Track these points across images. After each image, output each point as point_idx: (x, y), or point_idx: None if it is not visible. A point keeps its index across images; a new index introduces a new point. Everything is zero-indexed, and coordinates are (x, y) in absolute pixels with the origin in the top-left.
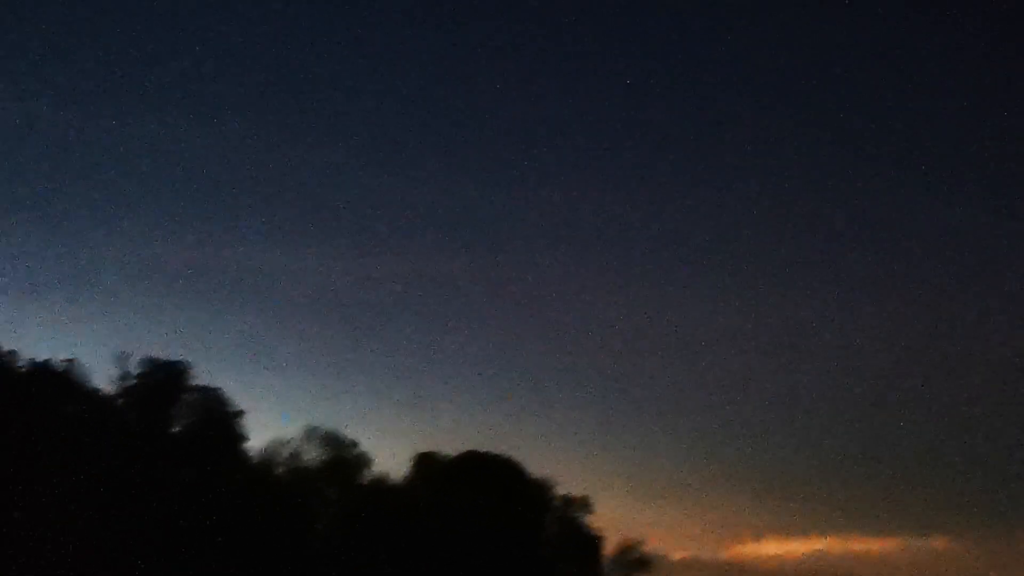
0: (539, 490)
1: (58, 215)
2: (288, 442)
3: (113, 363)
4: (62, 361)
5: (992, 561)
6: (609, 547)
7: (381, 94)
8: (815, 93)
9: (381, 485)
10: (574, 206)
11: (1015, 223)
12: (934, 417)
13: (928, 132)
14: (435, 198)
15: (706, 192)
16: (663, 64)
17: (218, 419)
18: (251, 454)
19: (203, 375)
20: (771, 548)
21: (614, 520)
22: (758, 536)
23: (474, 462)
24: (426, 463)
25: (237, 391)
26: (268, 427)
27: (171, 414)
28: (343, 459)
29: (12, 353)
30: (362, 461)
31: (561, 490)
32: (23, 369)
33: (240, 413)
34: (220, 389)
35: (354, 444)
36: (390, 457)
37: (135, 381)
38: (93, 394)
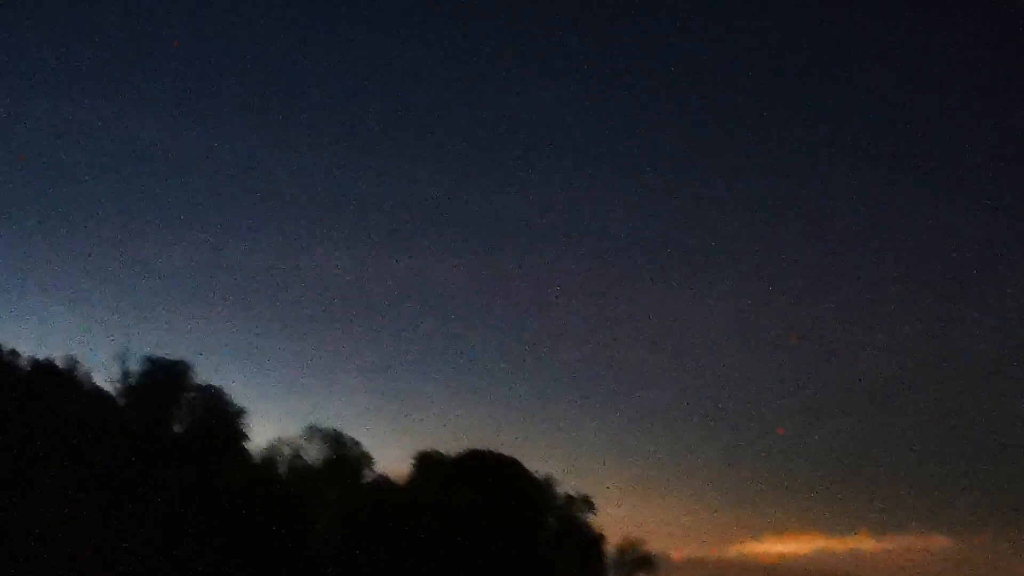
0: (541, 489)
1: (59, 213)
2: (289, 441)
3: (114, 362)
4: (63, 360)
5: (995, 562)
6: (611, 546)
7: (384, 93)
8: (815, 93)
9: (383, 484)
10: (575, 205)
11: (1015, 223)
12: (935, 416)
13: (927, 132)
14: (436, 198)
15: (705, 192)
16: (664, 64)
17: (219, 418)
18: (252, 453)
19: (204, 374)
20: (772, 547)
21: (616, 519)
22: (759, 535)
23: (476, 461)
24: (428, 462)
25: (238, 390)
26: (269, 426)
27: (172, 413)
28: (344, 458)
29: (13, 352)
30: (363, 460)
31: (563, 489)
32: (25, 368)
33: (241, 412)
34: (221, 388)
35: (356, 443)
36: (391, 456)
37: (136, 380)
38: (94, 393)
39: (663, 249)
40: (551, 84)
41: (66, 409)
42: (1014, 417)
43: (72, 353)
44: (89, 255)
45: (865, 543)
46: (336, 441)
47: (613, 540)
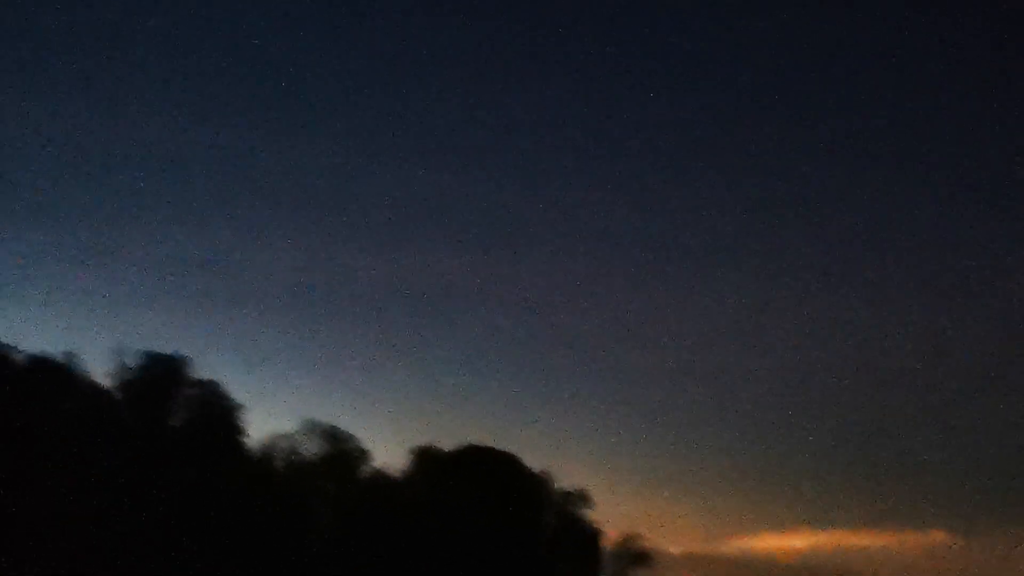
0: (538, 485)
1: (55, 208)
2: (287, 436)
3: (111, 357)
4: (61, 354)
5: (991, 556)
6: (608, 541)
7: (381, 89)
8: (815, 93)
9: (380, 479)
10: (570, 202)
11: (1016, 223)
12: (932, 411)
13: (927, 132)
14: (433, 194)
15: (704, 191)
16: (664, 64)
17: (217, 413)
18: (250, 448)
19: (202, 369)
20: (769, 542)
21: (613, 514)
22: (756, 531)
23: (473, 457)
24: (425, 457)
25: (236, 385)
26: (266, 421)
27: (170, 408)
28: (342, 453)
29: (10, 347)
30: (361, 455)
31: (560, 484)
32: (22, 362)
33: (239, 407)
34: (219, 383)
35: (352, 438)
36: (389, 451)
37: (134, 375)
38: (92, 388)
39: (661, 245)
40: (551, 84)
41: (63, 404)
42: (1013, 411)
43: (69, 348)
44: (87, 249)
45: (861, 538)
46: (333, 436)
47: (611, 535)
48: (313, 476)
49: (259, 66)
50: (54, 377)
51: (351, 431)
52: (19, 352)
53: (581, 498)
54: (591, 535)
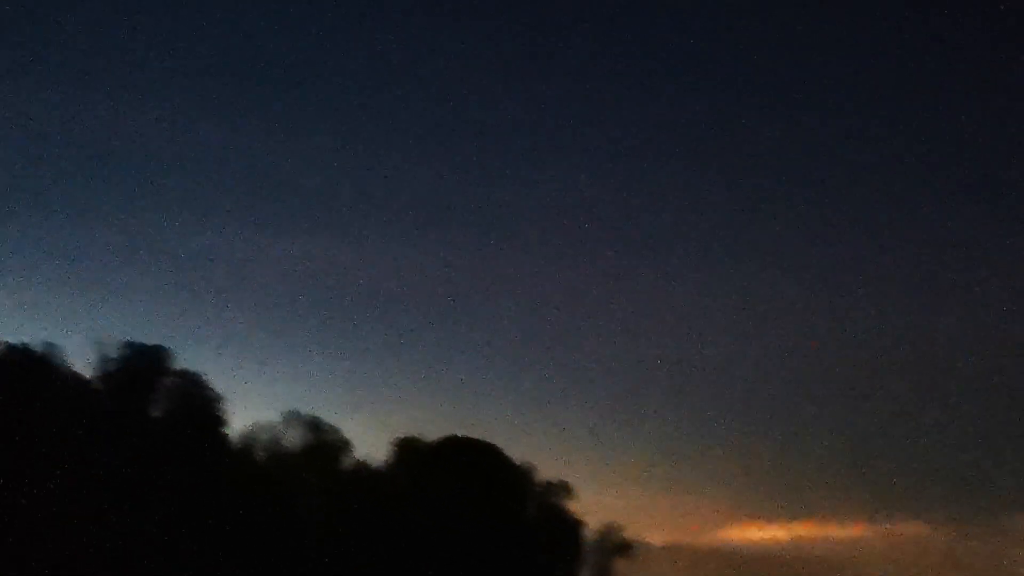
0: (520, 475)
1: (36, 200)
2: (269, 427)
3: (92, 348)
4: (40, 344)
5: (969, 547)
6: (590, 532)
7: (372, 82)
8: (815, 93)
9: (362, 470)
10: (573, 204)
11: (1015, 223)
12: (912, 403)
13: (927, 132)
14: (418, 188)
15: (702, 191)
16: (664, 64)
17: (198, 404)
18: (232, 439)
19: (184, 360)
20: (752, 534)
21: (595, 505)
22: (739, 522)
23: (455, 447)
24: (407, 448)
25: (217, 376)
26: (248, 412)
27: (151, 399)
28: (324, 444)
29: None
30: (343, 446)
31: (542, 475)
32: (1, 353)
33: (220, 398)
34: (200, 373)
35: (334, 429)
36: (370, 442)
37: (115, 366)
38: (73, 378)
39: (650, 240)
40: (551, 84)
41: (43, 394)
42: (993, 403)
43: (50, 339)
44: (67, 238)
45: (844, 530)
46: (315, 427)
47: (592, 526)
48: (295, 467)
49: (247, 59)
50: (34, 368)
51: (333, 422)
52: None
53: (563, 489)
54: (573, 526)
